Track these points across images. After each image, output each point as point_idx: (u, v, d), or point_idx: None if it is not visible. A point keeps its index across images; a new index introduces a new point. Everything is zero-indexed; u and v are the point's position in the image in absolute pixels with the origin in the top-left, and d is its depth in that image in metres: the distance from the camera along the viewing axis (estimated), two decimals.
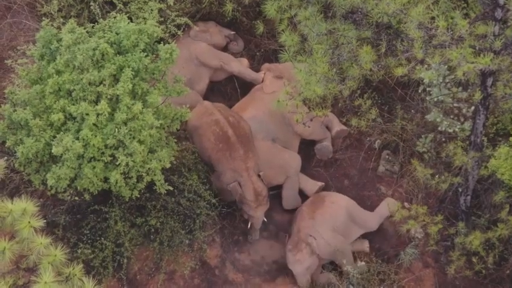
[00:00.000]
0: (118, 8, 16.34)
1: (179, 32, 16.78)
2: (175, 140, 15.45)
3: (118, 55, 14.20)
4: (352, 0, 13.14)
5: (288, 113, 16.03)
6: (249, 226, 16.42)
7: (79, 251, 14.74)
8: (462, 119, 15.98)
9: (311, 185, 17.06)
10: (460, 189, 15.81)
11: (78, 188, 14.27)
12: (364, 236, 16.40)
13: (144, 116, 13.88)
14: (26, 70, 14.44)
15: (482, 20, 12.96)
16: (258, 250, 16.59)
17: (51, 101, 13.97)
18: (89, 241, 14.96)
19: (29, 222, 10.93)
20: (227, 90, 17.85)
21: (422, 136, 16.82)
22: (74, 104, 13.88)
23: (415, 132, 17.06)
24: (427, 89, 16.30)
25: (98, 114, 13.71)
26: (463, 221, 15.79)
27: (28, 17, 17.31)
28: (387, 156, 17.48)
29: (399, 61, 12.95)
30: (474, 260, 15.24)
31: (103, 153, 13.93)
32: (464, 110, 16.00)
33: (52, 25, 15.10)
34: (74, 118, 13.98)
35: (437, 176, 15.23)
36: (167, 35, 16.53)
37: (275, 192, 16.94)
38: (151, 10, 16.22)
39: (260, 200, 16.09)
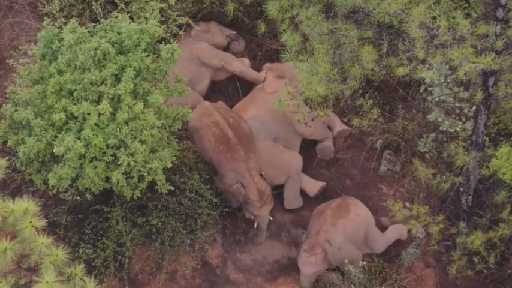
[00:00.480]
0: (119, 7, 16.34)
1: (180, 32, 16.78)
2: (177, 140, 15.46)
3: (119, 55, 14.20)
4: (354, 0, 13.15)
5: (289, 112, 16.02)
6: (255, 226, 16.42)
7: (80, 250, 14.74)
8: (464, 119, 15.98)
9: (312, 185, 17.05)
10: (462, 189, 15.81)
11: (80, 187, 14.27)
12: None
13: (146, 115, 13.88)
14: (28, 70, 14.44)
15: (483, 20, 12.96)
16: (260, 250, 16.59)
17: (52, 101, 13.97)
18: (90, 241, 14.96)
19: (31, 222, 10.93)
20: (228, 90, 17.84)
21: (424, 136, 16.81)
22: (75, 104, 13.88)
23: (417, 132, 17.04)
24: (429, 88, 16.29)
25: (99, 114, 13.71)
26: (464, 220, 15.79)
27: (29, 17, 17.31)
28: (389, 156, 17.47)
29: (401, 61, 12.95)
30: (475, 259, 15.23)
31: (104, 153, 13.93)
32: (465, 110, 15.99)
33: (53, 25, 15.10)
34: (76, 118, 13.98)
35: (438, 176, 15.22)
36: (168, 34, 16.52)
37: (276, 192, 16.93)
38: (153, 10, 16.22)
39: (264, 199, 16.09)
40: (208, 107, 16.37)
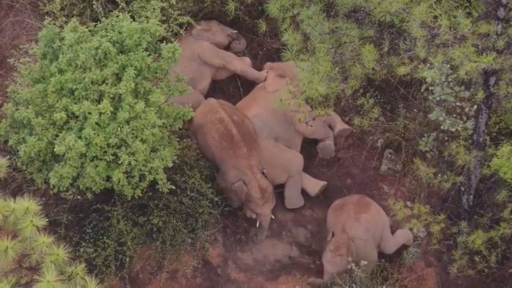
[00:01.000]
0: (120, 6, 16.33)
1: (181, 31, 16.77)
2: (178, 139, 15.45)
3: (120, 54, 14.20)
4: None
5: (290, 111, 16.02)
6: (257, 225, 16.42)
7: (81, 250, 14.74)
8: (465, 118, 15.97)
9: (313, 184, 17.05)
10: (463, 188, 15.81)
11: (81, 187, 14.27)
12: None
13: (147, 115, 13.89)
14: (29, 69, 14.44)
15: (484, 19, 12.96)
16: (261, 249, 16.59)
17: (53, 100, 13.98)
18: (91, 240, 14.97)
19: (32, 221, 10.92)
20: (229, 89, 17.84)
21: (425, 135, 16.80)
22: (76, 103, 13.88)
23: (418, 131, 17.04)
24: (430, 88, 16.28)
25: (100, 113, 13.72)
26: (465, 220, 15.79)
27: (30, 16, 17.31)
28: (389, 155, 17.47)
29: (402, 60, 12.95)
30: (476, 259, 15.23)
31: (105, 152, 13.94)
32: (466, 109, 15.98)
33: (54, 24, 15.10)
34: (77, 117, 13.99)
35: (439, 175, 15.22)
36: (169, 34, 16.51)
37: (277, 191, 16.92)
38: (154, 9, 16.21)
39: (266, 196, 16.10)
40: (214, 104, 16.39)
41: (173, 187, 14.80)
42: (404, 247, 16.25)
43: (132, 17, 15.54)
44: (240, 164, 15.91)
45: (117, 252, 15.01)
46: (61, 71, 14.06)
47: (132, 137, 13.80)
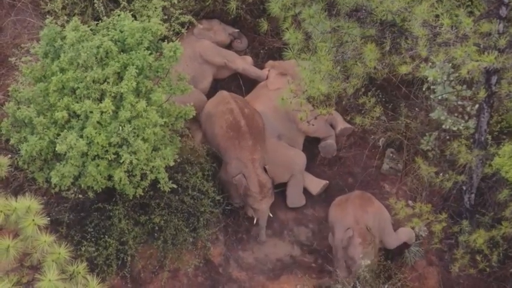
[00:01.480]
0: (122, 5, 16.33)
1: (183, 30, 16.76)
2: (179, 138, 15.46)
3: (122, 53, 14.20)
4: None
5: (292, 110, 16.02)
6: (254, 223, 16.42)
7: (83, 249, 14.75)
8: (466, 117, 15.96)
9: (315, 184, 17.04)
10: (464, 188, 15.80)
11: (82, 186, 14.28)
12: None
13: (148, 114, 13.89)
14: (30, 68, 14.44)
15: (486, 18, 12.95)
16: (262, 248, 16.59)
17: (55, 99, 13.98)
18: (92, 239, 14.97)
19: (33, 220, 10.93)
20: (231, 87, 17.83)
21: (427, 134, 16.80)
22: (77, 102, 13.89)
23: (419, 130, 17.03)
24: (431, 87, 16.27)
25: (101, 112, 13.72)
26: (467, 219, 15.77)
27: (32, 15, 17.32)
28: (391, 154, 17.46)
29: (403, 59, 12.94)
30: (478, 258, 15.21)
31: (107, 151, 13.94)
32: (468, 108, 15.98)
33: (56, 23, 15.09)
34: (78, 116, 13.99)
35: (441, 174, 15.22)
36: (171, 33, 16.50)
37: (279, 190, 16.92)
38: (155, 8, 16.20)
39: (265, 192, 16.09)
40: (226, 95, 16.46)
41: (175, 186, 14.80)
42: (406, 246, 16.24)
43: (133, 15, 15.56)
44: (242, 155, 15.91)
45: (118, 251, 15.01)
46: (62, 70, 14.07)
47: (133, 136, 13.80)
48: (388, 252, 16.19)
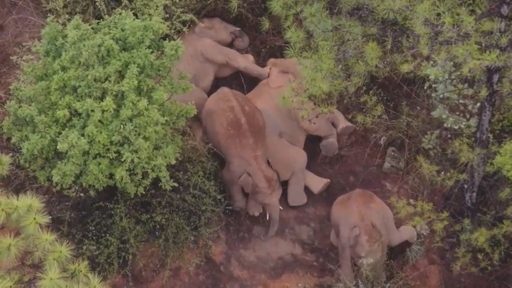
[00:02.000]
0: (123, 4, 16.33)
1: (184, 29, 16.76)
2: (181, 137, 15.46)
3: (123, 51, 14.20)
4: None
5: (293, 108, 16.01)
6: (267, 218, 16.40)
7: (84, 247, 14.76)
8: (468, 116, 15.95)
9: (316, 182, 17.04)
10: (466, 186, 15.79)
11: (84, 184, 14.29)
12: None
13: (150, 112, 13.89)
14: (31, 66, 14.45)
15: (488, 17, 12.93)
16: (263, 247, 16.59)
17: (56, 98, 13.98)
18: (94, 237, 14.98)
19: (35, 218, 10.92)
20: (233, 86, 17.81)
21: (428, 133, 16.79)
22: (79, 101, 13.89)
23: (421, 129, 17.02)
24: (433, 85, 16.26)
25: (103, 111, 13.72)
26: (468, 217, 15.76)
27: (33, 13, 17.32)
28: (392, 153, 17.45)
29: (405, 58, 12.92)
30: (480, 256, 15.20)
31: (108, 149, 13.94)
32: (470, 107, 15.97)
33: (57, 21, 15.10)
34: (79, 114, 13.99)
35: (442, 173, 15.21)
36: (172, 31, 16.51)
37: None
38: (157, 6, 16.21)
39: (273, 185, 16.10)
40: (227, 93, 16.45)
41: (176, 185, 14.80)
42: (407, 244, 16.24)
43: (135, 14, 15.56)
44: (244, 153, 15.91)
45: (120, 249, 15.02)
46: (64, 69, 14.07)
47: (135, 135, 13.80)
48: (390, 251, 16.19)
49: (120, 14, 14.91)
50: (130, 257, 15.08)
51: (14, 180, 15.21)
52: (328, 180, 17.13)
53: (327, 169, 17.53)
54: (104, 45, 13.97)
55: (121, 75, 14.12)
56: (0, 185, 14.17)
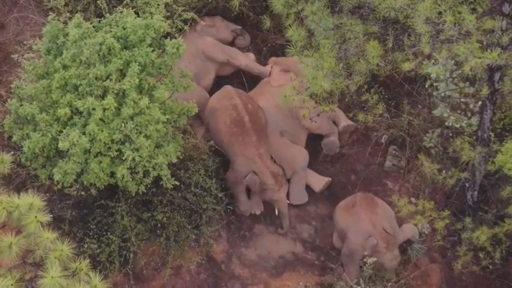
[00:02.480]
0: (124, 2, 16.31)
1: (186, 27, 16.75)
2: (182, 135, 15.46)
3: (124, 50, 14.21)
4: None
5: (295, 107, 16.00)
6: (276, 213, 16.39)
7: (85, 245, 14.77)
8: (469, 114, 15.92)
9: (318, 181, 17.03)
10: (467, 185, 15.79)
11: (85, 182, 14.29)
12: None
13: (151, 110, 13.89)
14: (33, 65, 14.45)
15: (489, 15, 12.93)
16: (265, 245, 16.59)
17: (57, 96, 13.99)
18: (95, 236, 14.99)
19: (36, 217, 10.92)
20: (234, 84, 17.80)
21: (429, 131, 16.77)
22: (80, 99, 13.90)
23: (422, 128, 17.02)
24: (434, 84, 16.23)
25: (104, 109, 13.72)
26: (470, 216, 15.77)
27: (34, 12, 17.32)
28: (394, 152, 17.45)
29: (406, 56, 12.92)
30: (481, 255, 15.21)
31: (109, 148, 13.95)
32: (471, 105, 15.94)
33: (58, 20, 15.09)
34: (81, 113, 14.00)
35: (444, 171, 15.21)
36: (174, 29, 16.50)
37: None
38: (158, 5, 16.19)
39: (280, 180, 16.12)
40: (231, 91, 16.47)
41: (177, 183, 14.81)
42: (408, 243, 16.24)
43: (136, 12, 15.55)
44: (248, 152, 15.90)
45: (121, 248, 15.03)
46: (65, 67, 14.07)
47: (136, 133, 13.80)
48: None
49: (121, 12, 14.91)
50: (132, 255, 15.08)
51: (15, 179, 15.22)
52: (330, 178, 17.12)
53: (328, 168, 17.52)
54: (105, 44, 13.97)
55: (122, 74, 14.12)
56: (2, 183, 14.14)
